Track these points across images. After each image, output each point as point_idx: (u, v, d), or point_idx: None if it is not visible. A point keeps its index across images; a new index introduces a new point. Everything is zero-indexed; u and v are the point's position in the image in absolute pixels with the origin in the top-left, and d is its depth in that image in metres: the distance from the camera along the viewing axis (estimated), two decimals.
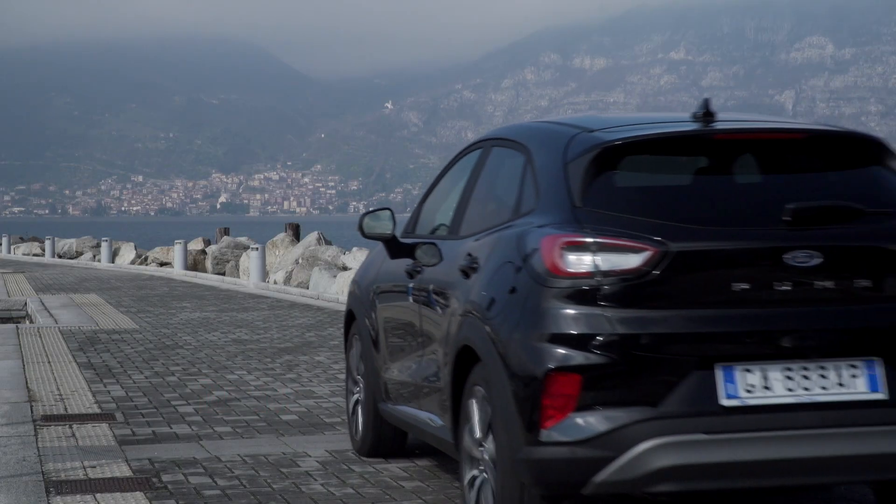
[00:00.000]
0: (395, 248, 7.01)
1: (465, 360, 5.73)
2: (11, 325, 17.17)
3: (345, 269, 23.64)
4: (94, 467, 7.29)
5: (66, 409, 9.49)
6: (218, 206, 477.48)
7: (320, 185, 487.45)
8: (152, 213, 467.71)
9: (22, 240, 53.29)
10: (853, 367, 5.11)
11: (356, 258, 23.37)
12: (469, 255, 5.93)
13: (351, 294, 7.94)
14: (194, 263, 33.58)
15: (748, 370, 5.05)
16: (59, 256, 45.03)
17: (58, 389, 10.53)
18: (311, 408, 9.51)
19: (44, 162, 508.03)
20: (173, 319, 17.72)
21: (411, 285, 6.70)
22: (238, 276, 29.28)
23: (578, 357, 5.03)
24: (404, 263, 6.86)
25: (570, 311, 5.09)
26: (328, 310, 18.99)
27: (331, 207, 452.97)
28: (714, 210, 5.27)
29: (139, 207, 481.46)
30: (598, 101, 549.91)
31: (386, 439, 7.53)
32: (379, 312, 7.33)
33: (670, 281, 5.08)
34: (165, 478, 7.02)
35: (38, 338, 14.96)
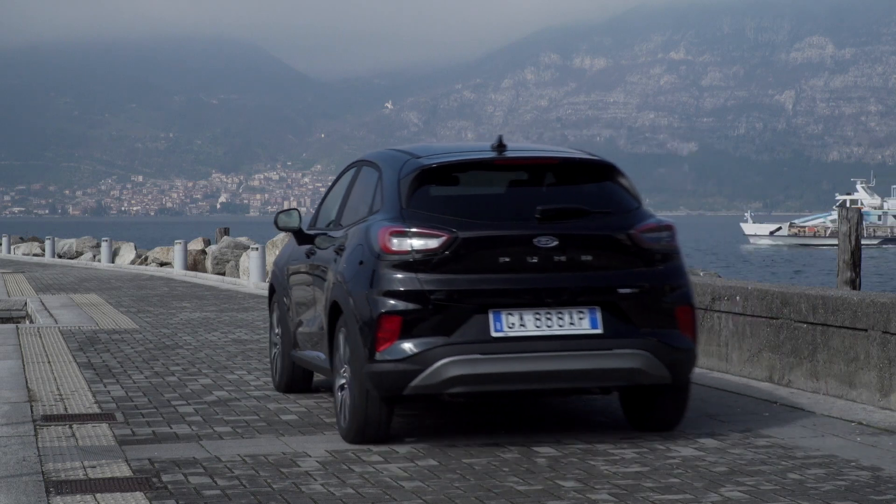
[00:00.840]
0: (301, 237, 9.66)
1: (335, 313, 8.35)
2: (11, 325, 17.15)
3: None
4: (94, 467, 7.28)
5: (66, 409, 9.49)
6: (218, 206, 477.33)
7: (320, 185, 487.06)
8: (152, 213, 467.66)
9: (22, 240, 53.28)
10: (581, 312, 7.79)
11: None
12: (341, 240, 8.63)
13: (272, 273, 10.61)
14: (194, 263, 33.58)
15: (510, 314, 7.71)
16: (59, 256, 45.03)
17: (58, 389, 10.53)
18: (311, 408, 9.51)
19: (44, 162, 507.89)
20: (173, 319, 17.72)
21: (309, 263, 9.35)
22: (238, 276, 29.28)
23: (399, 305, 7.70)
24: (306, 248, 9.52)
25: (395, 276, 7.75)
26: None
27: None
28: (491, 210, 7.99)
29: (139, 207, 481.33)
30: (598, 101, 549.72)
31: (297, 379, 10.15)
32: (290, 285, 9.92)
33: (459, 256, 7.75)
34: (165, 478, 7.02)
35: (38, 338, 14.96)
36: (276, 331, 10.37)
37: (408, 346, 7.64)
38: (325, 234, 9.21)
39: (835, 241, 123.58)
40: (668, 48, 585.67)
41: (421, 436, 8.29)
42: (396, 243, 7.78)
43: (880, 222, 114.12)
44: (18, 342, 14.32)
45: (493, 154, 8.31)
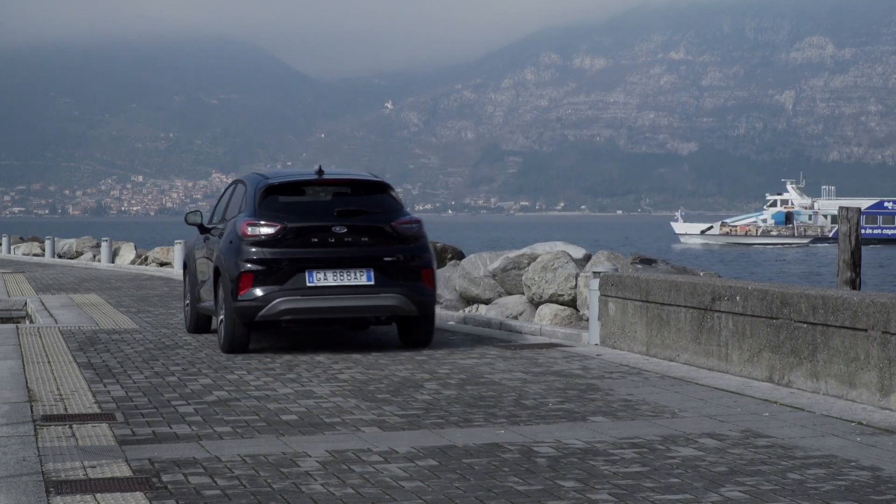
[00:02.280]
0: (202, 229, 14.88)
1: (217, 274, 13.44)
2: (11, 325, 17.15)
3: None
4: (94, 467, 7.28)
5: (66, 409, 9.49)
6: None
7: None
8: (152, 213, 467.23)
9: (22, 240, 53.21)
10: (361, 271, 12.92)
11: None
12: (222, 229, 13.69)
13: (185, 254, 15.83)
14: None
15: (318, 272, 12.86)
16: (59, 256, 45.00)
17: (58, 389, 10.53)
18: (311, 408, 9.51)
19: (44, 162, 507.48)
20: (173, 319, 17.72)
21: (206, 246, 14.37)
22: None
23: (252, 267, 12.88)
24: (204, 236, 14.61)
25: (250, 250, 12.91)
26: None
27: None
28: (308, 210, 13.21)
29: (139, 207, 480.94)
30: (598, 101, 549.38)
31: (201, 323, 15.24)
32: (196, 261, 15.00)
33: (288, 238, 12.93)
34: (165, 478, 7.02)
35: (38, 338, 14.96)
36: (188, 292, 15.34)
37: (257, 291, 12.85)
38: (216, 227, 14.21)
39: (766, 241, 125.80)
40: (668, 48, 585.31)
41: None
42: (251, 230, 12.98)
43: (811, 221, 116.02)
44: (18, 342, 14.32)
45: (314, 176, 13.52)
